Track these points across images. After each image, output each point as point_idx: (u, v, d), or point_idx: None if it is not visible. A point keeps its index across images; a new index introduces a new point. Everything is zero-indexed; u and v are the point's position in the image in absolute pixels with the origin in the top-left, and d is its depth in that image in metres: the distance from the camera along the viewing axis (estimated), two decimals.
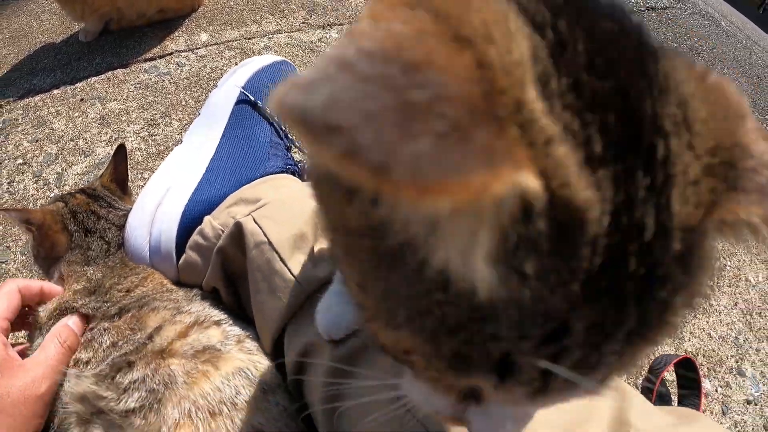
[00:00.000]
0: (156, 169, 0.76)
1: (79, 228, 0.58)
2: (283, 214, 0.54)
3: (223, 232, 0.55)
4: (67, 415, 0.48)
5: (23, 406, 0.47)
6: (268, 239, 0.50)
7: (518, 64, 0.18)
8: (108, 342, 0.49)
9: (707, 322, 1.13)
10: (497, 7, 0.19)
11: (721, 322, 1.14)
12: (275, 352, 0.52)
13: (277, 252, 0.49)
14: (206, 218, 0.59)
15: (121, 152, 0.71)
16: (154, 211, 0.61)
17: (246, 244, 0.52)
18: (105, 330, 0.50)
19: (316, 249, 0.51)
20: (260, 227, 0.51)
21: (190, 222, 0.61)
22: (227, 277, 0.57)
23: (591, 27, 0.20)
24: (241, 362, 0.48)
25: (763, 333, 1.15)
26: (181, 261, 0.59)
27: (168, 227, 0.60)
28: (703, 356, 1.06)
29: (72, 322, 0.54)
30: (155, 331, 0.49)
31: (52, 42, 1.40)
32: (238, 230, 0.53)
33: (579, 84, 0.19)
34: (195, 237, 0.58)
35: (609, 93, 0.19)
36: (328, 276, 0.48)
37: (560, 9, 0.20)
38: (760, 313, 1.18)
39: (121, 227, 0.61)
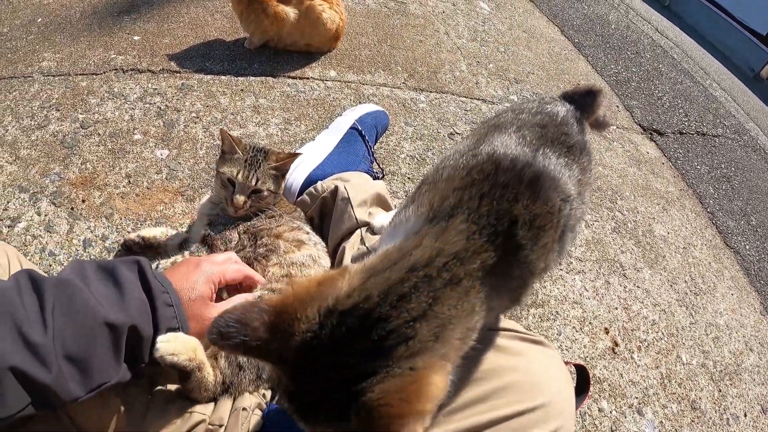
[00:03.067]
0: (284, 149, 1.27)
1: None
2: (357, 189, 1.01)
3: (326, 190, 1.04)
4: None
5: (203, 323, 0.74)
6: (348, 197, 0.98)
7: None
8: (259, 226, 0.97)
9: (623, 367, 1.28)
10: None
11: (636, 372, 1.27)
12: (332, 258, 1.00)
13: (351, 204, 0.97)
14: (319, 182, 1.07)
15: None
16: (292, 171, 1.12)
17: (336, 198, 1.00)
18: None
19: (367, 210, 0.99)
20: (346, 191, 0.99)
21: (308, 182, 1.10)
22: (320, 213, 1.05)
23: None
24: (313, 250, 0.95)
25: (675, 397, 1.30)
26: (299, 198, 1.08)
27: (298, 182, 1.10)
28: (609, 385, 1.23)
29: (250, 296, 0.82)
30: (277, 226, 0.96)
31: (223, 39, 1.89)
32: (335, 190, 1.01)
33: None
34: (310, 189, 1.06)
35: None
36: (367, 221, 0.96)
37: None
38: (680, 383, 1.33)
39: None
